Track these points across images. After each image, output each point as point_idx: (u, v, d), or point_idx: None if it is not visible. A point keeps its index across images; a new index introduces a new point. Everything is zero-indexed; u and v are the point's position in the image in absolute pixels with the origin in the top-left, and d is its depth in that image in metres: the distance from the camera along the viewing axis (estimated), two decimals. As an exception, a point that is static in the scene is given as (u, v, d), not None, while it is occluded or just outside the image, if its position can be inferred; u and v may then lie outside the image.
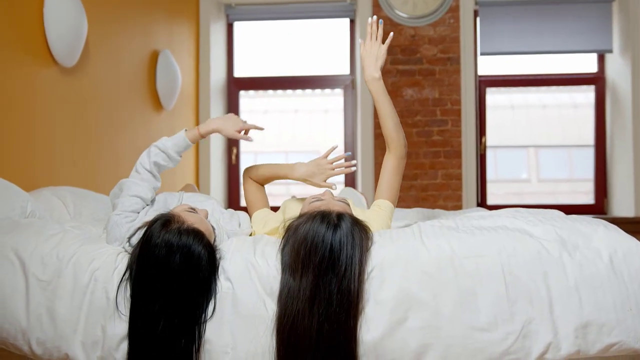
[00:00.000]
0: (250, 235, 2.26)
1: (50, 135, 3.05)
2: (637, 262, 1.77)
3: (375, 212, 2.22)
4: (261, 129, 2.42)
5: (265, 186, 2.48)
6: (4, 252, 1.92)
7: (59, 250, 1.90)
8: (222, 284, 1.80)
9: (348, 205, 2.08)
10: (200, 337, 1.77)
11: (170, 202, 2.25)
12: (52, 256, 1.89)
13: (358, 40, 2.30)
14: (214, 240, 1.94)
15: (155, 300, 1.74)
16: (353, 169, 2.34)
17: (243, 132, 2.36)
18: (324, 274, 1.71)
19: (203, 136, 2.32)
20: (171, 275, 1.74)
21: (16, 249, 1.92)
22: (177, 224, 1.81)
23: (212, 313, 1.78)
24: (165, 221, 1.82)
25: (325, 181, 2.34)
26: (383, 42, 2.32)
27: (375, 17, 2.32)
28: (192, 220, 1.85)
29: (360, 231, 1.81)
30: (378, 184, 2.30)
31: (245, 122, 2.37)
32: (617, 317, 1.72)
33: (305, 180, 2.35)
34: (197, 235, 1.80)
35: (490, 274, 1.75)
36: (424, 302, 1.73)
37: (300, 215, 1.89)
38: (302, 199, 2.38)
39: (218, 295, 1.79)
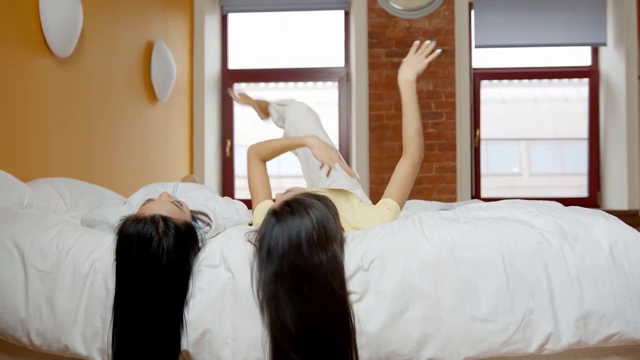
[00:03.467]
0: (250, 224, 2.25)
1: (45, 126, 3.03)
2: (637, 253, 1.77)
3: (381, 210, 2.21)
4: None
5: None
6: (3, 242, 1.91)
7: (58, 241, 1.89)
8: (223, 274, 1.79)
9: None
10: (178, 326, 1.76)
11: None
12: (51, 246, 1.88)
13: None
14: (196, 222, 1.95)
15: (128, 297, 1.75)
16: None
17: None
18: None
19: None
20: (131, 266, 1.75)
21: (15, 239, 1.91)
22: (135, 218, 1.81)
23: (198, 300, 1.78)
24: (127, 219, 1.82)
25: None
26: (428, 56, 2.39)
27: (428, 42, 2.39)
28: (149, 211, 1.84)
29: None
30: (388, 185, 2.28)
31: None
32: (617, 308, 1.73)
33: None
34: (152, 222, 1.78)
35: (491, 264, 1.75)
36: (425, 293, 1.73)
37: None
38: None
39: (216, 283, 1.78)
